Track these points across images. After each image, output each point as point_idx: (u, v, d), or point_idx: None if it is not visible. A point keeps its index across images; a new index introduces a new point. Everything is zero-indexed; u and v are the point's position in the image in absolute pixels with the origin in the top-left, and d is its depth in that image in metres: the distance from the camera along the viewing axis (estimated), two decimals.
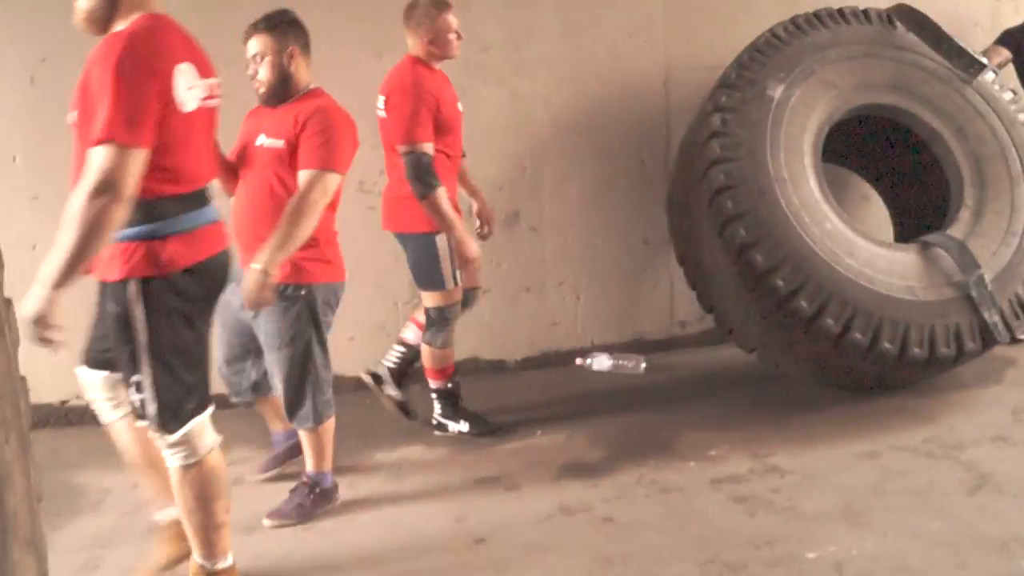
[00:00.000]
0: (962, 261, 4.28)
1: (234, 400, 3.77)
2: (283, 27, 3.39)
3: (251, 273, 3.12)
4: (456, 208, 3.95)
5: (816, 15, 4.66)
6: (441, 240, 3.91)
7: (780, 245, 4.10)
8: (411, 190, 3.82)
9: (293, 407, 3.47)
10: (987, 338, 4.21)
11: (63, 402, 4.62)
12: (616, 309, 5.15)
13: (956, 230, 4.42)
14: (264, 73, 3.39)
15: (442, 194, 3.81)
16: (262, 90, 3.42)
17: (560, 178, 5.00)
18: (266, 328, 3.41)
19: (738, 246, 4.13)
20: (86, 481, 3.98)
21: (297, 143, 3.30)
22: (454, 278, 3.99)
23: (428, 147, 3.81)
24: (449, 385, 4.21)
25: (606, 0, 4.94)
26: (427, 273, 3.98)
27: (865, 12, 4.72)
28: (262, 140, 3.38)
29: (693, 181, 4.43)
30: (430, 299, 4.04)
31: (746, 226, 4.13)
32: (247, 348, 3.61)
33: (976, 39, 5.14)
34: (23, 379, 2.36)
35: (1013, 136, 4.62)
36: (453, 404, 4.24)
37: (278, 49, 3.36)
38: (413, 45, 3.96)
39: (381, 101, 3.93)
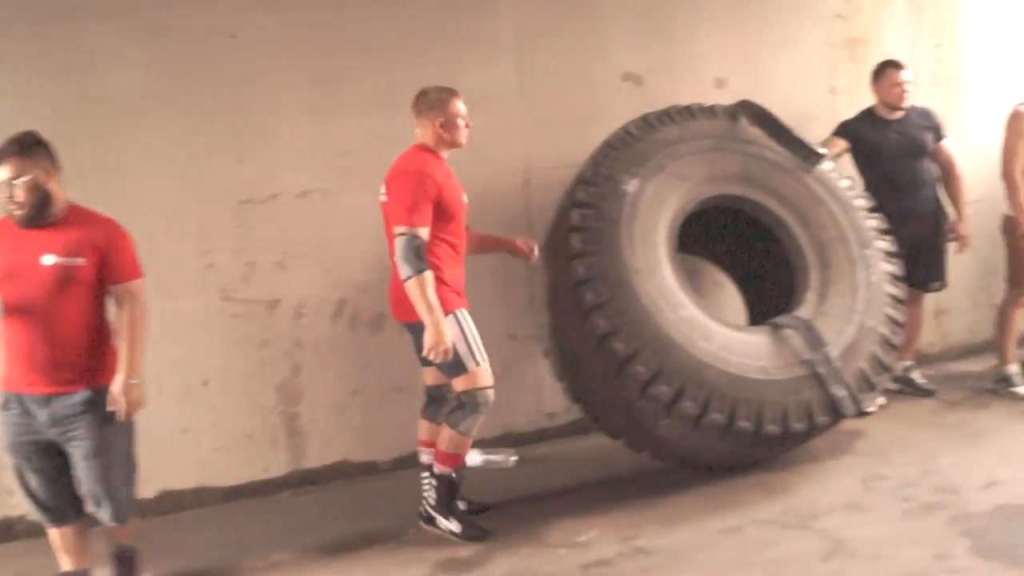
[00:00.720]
0: (810, 340, 4.47)
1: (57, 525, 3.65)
2: (35, 148, 3.44)
3: (132, 387, 3.42)
4: (459, 293, 4.11)
5: (666, 112, 4.90)
6: (451, 320, 3.93)
7: (639, 333, 4.23)
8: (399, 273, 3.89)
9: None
10: (836, 412, 4.40)
11: None
12: None
13: (803, 311, 4.63)
14: (23, 195, 3.39)
15: (428, 278, 3.83)
16: (21, 212, 3.41)
17: None
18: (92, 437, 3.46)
19: (599, 336, 4.25)
20: None
21: (105, 260, 3.45)
22: (474, 357, 3.98)
23: (423, 231, 3.86)
24: (455, 475, 4.12)
25: (468, 105, 5.08)
26: (455, 356, 3.95)
27: (711, 108, 4.98)
28: (52, 260, 3.40)
29: (556, 275, 4.57)
30: (460, 383, 4.01)
31: (606, 316, 4.25)
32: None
33: (814, 131, 5.44)
34: None
35: (851, 221, 4.90)
36: (450, 498, 4.13)
37: (35, 170, 3.39)
38: (423, 133, 4.09)
39: (383, 187, 4.04)
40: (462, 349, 3.96)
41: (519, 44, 5.23)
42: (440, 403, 4.26)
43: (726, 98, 5.28)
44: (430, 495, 4.15)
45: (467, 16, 5.12)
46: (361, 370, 4.94)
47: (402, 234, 3.85)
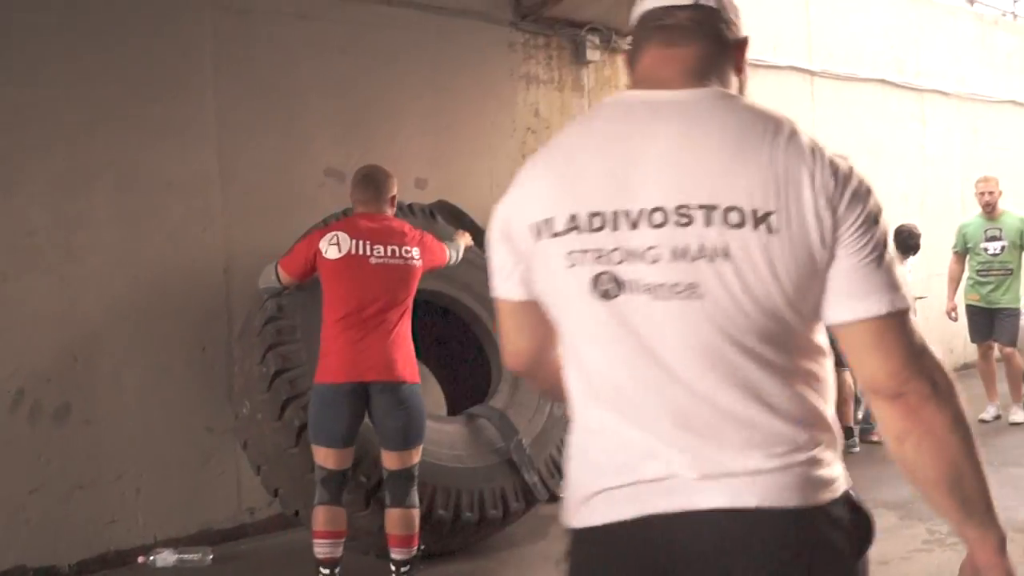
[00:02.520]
0: (503, 429, 4.68)
1: None
2: None
3: None
4: None
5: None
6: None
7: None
8: None
9: None
10: (529, 497, 4.61)
11: None
12: (180, 501, 4.99)
13: (497, 401, 4.85)
14: None
15: None
16: None
17: (116, 367, 4.85)
18: None
19: (297, 427, 4.23)
20: None
21: None
22: None
23: None
24: (421, 548, 4.09)
25: (163, 189, 5.00)
26: (421, 425, 4.04)
27: (411, 207, 5.16)
28: None
29: (252, 366, 4.51)
30: (415, 455, 4.02)
31: (304, 406, 4.23)
32: None
33: None
34: None
35: None
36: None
37: None
38: (381, 206, 4.24)
39: (407, 250, 4.14)
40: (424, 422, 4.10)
41: (221, 133, 5.23)
42: (344, 484, 4.04)
43: (427, 197, 5.51)
44: None
45: (169, 101, 5.06)
46: (42, 466, 4.60)
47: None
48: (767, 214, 1.31)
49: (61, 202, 4.76)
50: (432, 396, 5.63)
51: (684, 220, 1.33)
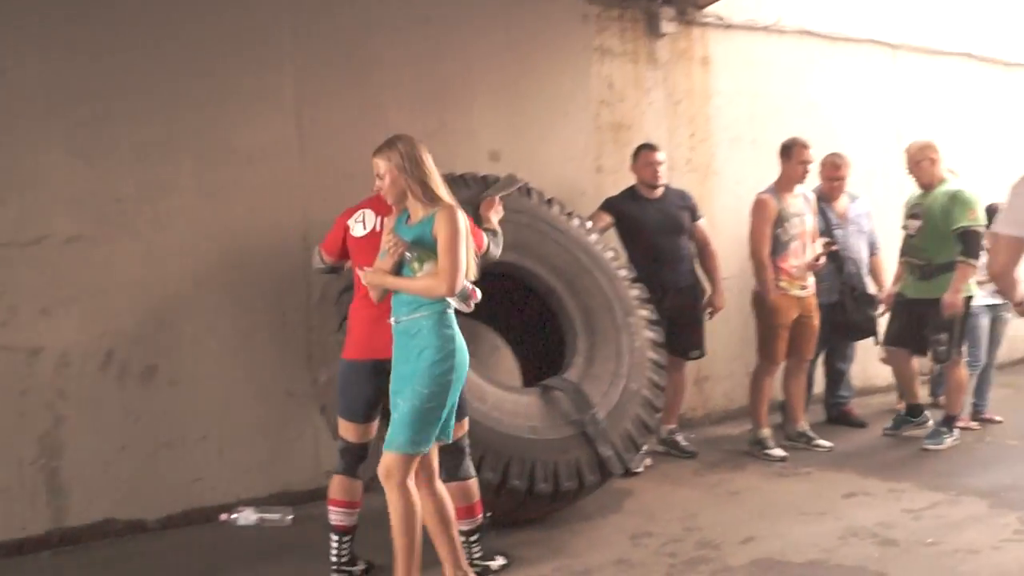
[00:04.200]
0: (578, 401, 4.71)
1: None
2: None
3: None
4: None
5: (444, 178, 5.03)
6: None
7: None
8: None
9: None
10: (604, 471, 4.64)
11: None
12: (261, 462, 5.11)
13: (572, 374, 4.88)
14: None
15: None
16: None
17: (199, 332, 4.97)
18: None
19: None
20: None
21: None
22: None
23: None
24: (487, 516, 4.09)
25: (245, 160, 5.08)
26: (462, 400, 3.92)
27: (484, 178, 5.17)
28: None
29: (330, 333, 4.57)
30: (461, 428, 3.99)
31: None
32: None
33: (582, 206, 5.78)
34: None
35: (616, 290, 5.22)
36: (487, 541, 4.10)
37: None
38: None
39: None
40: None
41: (299, 102, 5.28)
42: (362, 459, 4.06)
43: (500, 169, 5.52)
44: (475, 553, 4.04)
45: (250, 73, 5.13)
46: (130, 424, 4.74)
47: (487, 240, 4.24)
48: None
49: (147, 170, 4.86)
50: (505, 367, 5.69)
51: None
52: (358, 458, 4.05)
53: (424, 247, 3.57)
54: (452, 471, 3.99)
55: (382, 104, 5.52)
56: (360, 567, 4.11)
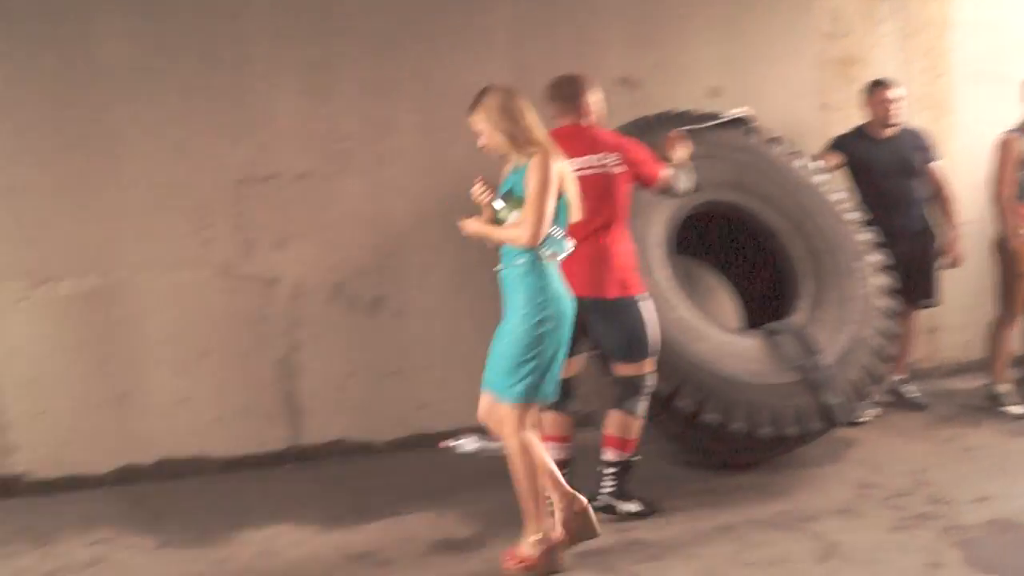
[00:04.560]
0: (802, 346, 4.56)
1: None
2: None
3: None
4: None
5: (660, 116, 4.93)
6: (649, 303, 4.00)
7: None
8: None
9: None
10: (828, 419, 4.49)
11: None
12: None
13: (796, 318, 4.72)
14: None
15: None
16: None
17: (423, 268, 5.10)
18: None
19: None
20: None
21: None
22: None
23: None
24: (635, 458, 4.13)
25: (459, 98, 5.10)
26: (643, 340, 4.01)
27: (704, 115, 5.03)
28: None
29: None
30: (632, 368, 4.04)
31: None
32: None
33: (807, 145, 5.53)
34: None
35: (844, 233, 5.00)
36: (626, 482, 4.12)
37: None
38: (576, 116, 4.15)
39: (601, 159, 4.04)
40: (652, 333, 4.02)
41: (513, 42, 5.27)
42: (569, 395, 4.11)
43: (720, 106, 5.36)
44: (608, 484, 4.09)
45: (463, 11, 5.15)
46: (358, 352, 4.94)
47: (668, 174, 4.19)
48: None
49: (370, 110, 4.99)
50: (723, 309, 5.56)
51: None
52: (563, 393, 4.03)
53: (514, 196, 3.55)
54: (619, 401, 4.05)
55: (598, 42, 5.45)
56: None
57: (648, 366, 4.06)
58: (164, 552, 3.88)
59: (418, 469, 4.78)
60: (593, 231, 3.96)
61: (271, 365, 4.79)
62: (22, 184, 4.48)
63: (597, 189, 3.97)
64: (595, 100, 4.18)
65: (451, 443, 4.91)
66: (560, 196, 3.53)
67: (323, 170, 4.90)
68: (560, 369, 3.62)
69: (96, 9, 4.51)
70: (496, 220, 3.61)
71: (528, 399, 3.54)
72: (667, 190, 4.24)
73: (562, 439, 4.13)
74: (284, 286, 4.83)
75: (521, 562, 3.54)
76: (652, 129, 4.81)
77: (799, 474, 4.56)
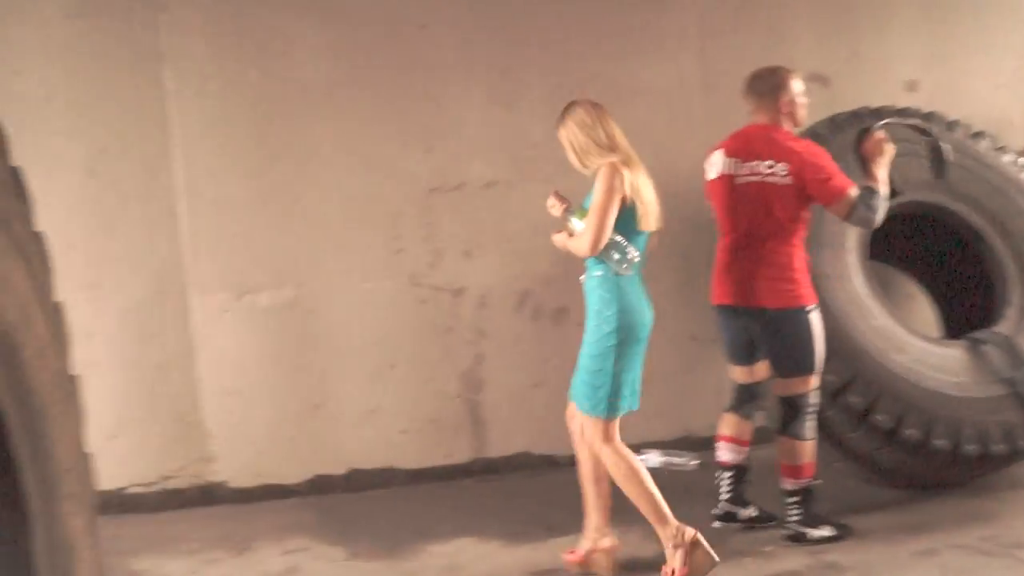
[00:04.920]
0: (1011, 357, 4.27)
1: None
2: None
3: None
4: None
5: (855, 114, 4.74)
6: (816, 316, 3.89)
7: (828, 340, 4.10)
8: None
9: None
10: None
11: (121, 489, 4.65)
12: (665, 405, 5.14)
13: (1004, 326, 4.42)
14: None
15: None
16: None
17: None
18: None
19: None
20: (145, 567, 4.02)
21: None
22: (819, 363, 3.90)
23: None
24: (816, 482, 3.97)
25: (645, 98, 5.05)
26: (803, 354, 3.86)
27: (903, 112, 4.79)
28: None
29: None
30: (799, 385, 3.89)
31: None
32: None
33: (1012, 139, 5.21)
34: (90, 455, 2.40)
35: None
36: (813, 506, 3.95)
37: None
38: (771, 115, 3.97)
39: (770, 165, 3.87)
40: (820, 347, 3.88)
41: (702, 39, 5.16)
42: (752, 400, 4.10)
43: (917, 102, 5.08)
44: (793, 513, 3.93)
45: (650, 10, 5.08)
46: (542, 363, 4.95)
47: (852, 199, 3.77)
48: None
49: (554, 115, 4.96)
50: (922, 317, 5.28)
51: None
52: (746, 397, 4.05)
53: (582, 208, 3.61)
54: (785, 425, 3.89)
55: (788, 36, 5.27)
56: (750, 512, 4.08)
57: (811, 383, 3.88)
58: (355, 563, 3.98)
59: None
60: (750, 241, 3.89)
61: (457, 376, 4.87)
62: (226, 198, 4.71)
63: (755, 199, 3.87)
64: (787, 100, 3.98)
65: (637, 458, 4.86)
66: (629, 206, 3.50)
67: (509, 179, 4.94)
68: (638, 382, 3.62)
69: (296, 25, 4.70)
70: (570, 232, 3.65)
71: (607, 413, 3.56)
72: (850, 217, 3.84)
73: (738, 441, 4.07)
74: (470, 296, 4.90)
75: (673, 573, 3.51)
76: (842, 128, 4.62)
77: (1006, 496, 4.28)
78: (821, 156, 3.87)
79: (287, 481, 4.80)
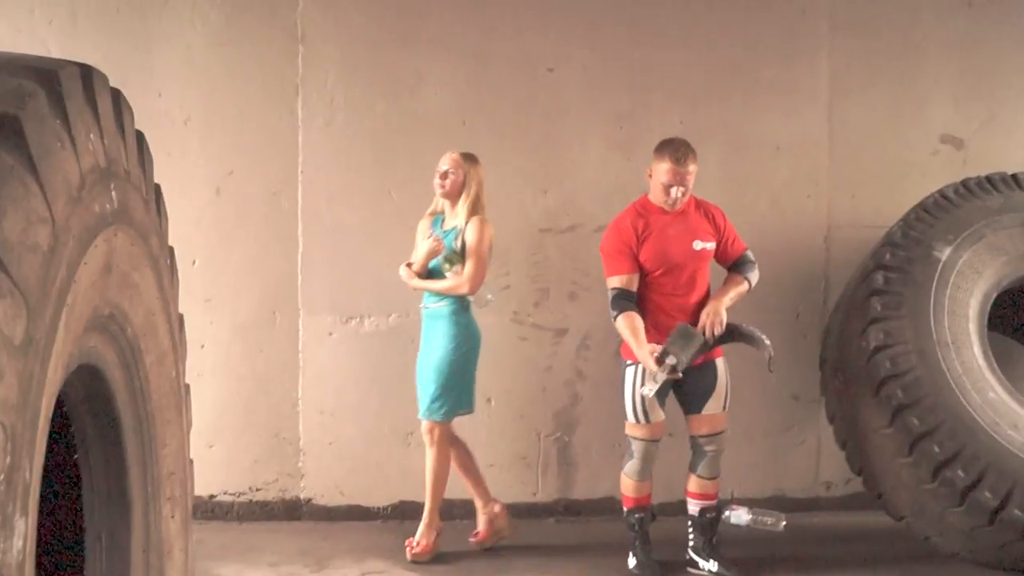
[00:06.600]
0: None
1: None
2: None
3: None
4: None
5: (988, 179, 4.62)
6: (629, 371, 4.11)
7: (938, 409, 4.00)
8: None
9: None
10: None
11: (212, 496, 4.77)
12: (759, 463, 5.04)
13: None
14: None
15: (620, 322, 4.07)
16: None
17: None
18: None
19: (894, 407, 4.06)
20: (227, 574, 4.10)
21: None
22: (635, 412, 4.15)
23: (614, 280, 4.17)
24: (643, 516, 4.30)
25: (770, 152, 5.01)
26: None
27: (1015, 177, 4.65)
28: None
29: (850, 338, 4.38)
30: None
31: (903, 387, 4.06)
32: None
33: None
34: (191, 462, 2.48)
35: None
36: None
37: None
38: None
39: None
40: (627, 399, 4.19)
41: (832, 95, 5.11)
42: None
43: None
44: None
45: (781, 63, 5.05)
46: None
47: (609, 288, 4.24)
48: None
49: None
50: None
51: None
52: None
53: (453, 250, 4.21)
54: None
55: (923, 99, 5.19)
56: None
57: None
58: None
59: (682, 535, 4.62)
60: None
61: (551, 415, 4.87)
62: (341, 224, 4.83)
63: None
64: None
65: (723, 513, 4.76)
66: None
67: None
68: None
69: (428, 61, 4.83)
70: (436, 268, 4.35)
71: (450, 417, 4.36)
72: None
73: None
74: (571, 337, 4.90)
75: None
76: (973, 193, 4.52)
77: None
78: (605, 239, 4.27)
79: (372, 504, 4.86)
